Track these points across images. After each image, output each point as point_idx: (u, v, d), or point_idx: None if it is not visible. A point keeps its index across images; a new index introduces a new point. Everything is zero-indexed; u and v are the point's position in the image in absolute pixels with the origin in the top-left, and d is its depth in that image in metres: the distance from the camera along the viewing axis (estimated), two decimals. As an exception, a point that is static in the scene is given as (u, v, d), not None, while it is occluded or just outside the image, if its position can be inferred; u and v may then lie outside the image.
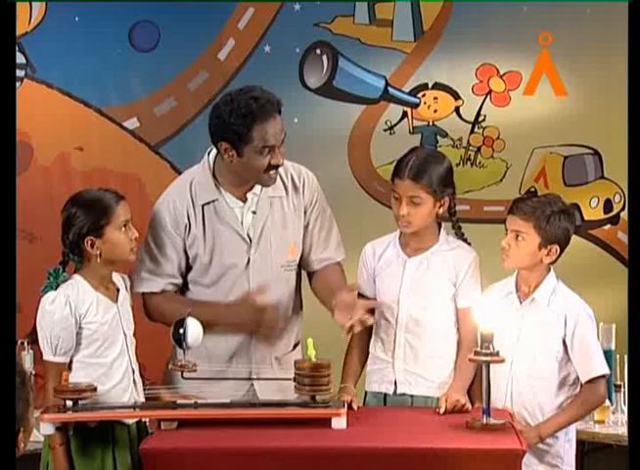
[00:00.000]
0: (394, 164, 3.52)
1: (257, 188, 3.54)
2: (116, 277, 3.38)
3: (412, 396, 3.53)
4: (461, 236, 3.62)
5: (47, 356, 3.26)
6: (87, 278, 3.29)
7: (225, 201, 3.53)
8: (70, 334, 3.23)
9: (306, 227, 3.63)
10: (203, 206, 3.52)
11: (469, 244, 3.60)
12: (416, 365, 3.52)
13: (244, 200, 3.55)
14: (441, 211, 3.51)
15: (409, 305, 3.52)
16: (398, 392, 3.53)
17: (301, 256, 3.64)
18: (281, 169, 3.54)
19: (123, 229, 3.28)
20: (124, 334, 3.33)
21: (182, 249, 3.54)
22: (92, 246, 3.25)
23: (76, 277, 3.29)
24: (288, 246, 3.58)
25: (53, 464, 3.22)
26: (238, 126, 3.37)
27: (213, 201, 3.52)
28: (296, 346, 3.66)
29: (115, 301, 3.33)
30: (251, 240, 3.53)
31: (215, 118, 3.43)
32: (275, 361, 3.58)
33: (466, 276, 3.53)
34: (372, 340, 3.60)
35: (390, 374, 3.54)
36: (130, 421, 3.30)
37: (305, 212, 3.62)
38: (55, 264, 3.27)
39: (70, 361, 3.27)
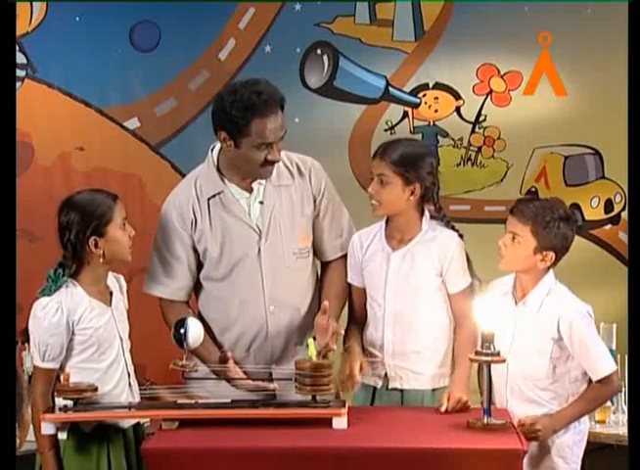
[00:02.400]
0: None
1: None
2: (110, 279, 3.38)
3: (402, 390, 3.54)
4: (443, 219, 3.58)
5: (36, 362, 3.25)
6: (82, 283, 3.28)
7: (231, 192, 3.54)
8: (60, 341, 3.22)
9: (317, 216, 3.64)
10: (208, 199, 3.53)
11: (452, 227, 3.57)
12: (405, 360, 3.53)
13: (249, 190, 3.55)
14: (412, 198, 3.49)
15: (394, 300, 3.53)
16: (390, 387, 3.55)
17: (316, 245, 3.65)
18: (285, 159, 3.57)
19: (123, 227, 3.30)
20: (120, 338, 3.33)
21: (191, 246, 3.55)
22: (96, 246, 3.25)
23: (71, 282, 3.28)
24: (298, 233, 3.59)
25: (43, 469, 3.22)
26: (237, 119, 3.38)
27: (219, 193, 3.53)
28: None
29: (109, 304, 3.33)
30: (260, 230, 3.54)
31: (217, 107, 3.45)
32: (296, 348, 3.59)
33: (451, 262, 3.52)
34: (364, 334, 3.61)
35: (380, 369, 3.56)
36: (126, 425, 3.31)
37: (315, 201, 3.62)
38: (55, 265, 3.27)
39: (65, 367, 3.26)
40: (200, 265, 3.59)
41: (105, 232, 3.26)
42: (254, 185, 3.55)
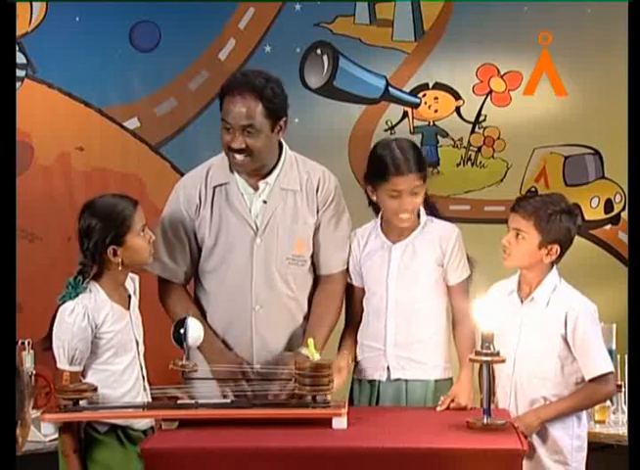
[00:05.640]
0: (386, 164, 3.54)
1: (270, 178, 3.56)
2: (127, 281, 3.39)
3: (406, 380, 3.55)
4: (433, 211, 3.63)
5: (62, 365, 3.26)
6: (104, 286, 3.30)
7: (237, 185, 3.55)
8: (87, 344, 3.25)
9: (318, 228, 3.62)
10: (214, 188, 3.55)
11: (447, 219, 3.64)
12: (408, 350, 3.56)
13: (255, 188, 3.56)
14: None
15: (397, 290, 3.55)
16: (392, 377, 3.56)
17: (313, 258, 3.63)
18: (301, 165, 3.58)
19: (142, 234, 3.30)
20: (136, 342, 3.35)
21: (192, 230, 3.58)
22: (114, 254, 3.26)
23: (93, 286, 3.29)
24: (295, 240, 3.58)
25: None
26: (220, 96, 3.48)
27: (225, 183, 3.55)
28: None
29: (128, 308, 3.35)
30: (257, 228, 3.54)
31: None
32: (282, 352, 3.58)
33: (452, 254, 3.57)
34: (360, 329, 3.62)
35: (383, 361, 3.58)
36: (142, 426, 3.32)
37: (318, 212, 3.61)
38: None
39: (85, 368, 3.28)
40: (200, 255, 3.60)
41: (123, 241, 3.27)
42: (261, 183, 3.55)
